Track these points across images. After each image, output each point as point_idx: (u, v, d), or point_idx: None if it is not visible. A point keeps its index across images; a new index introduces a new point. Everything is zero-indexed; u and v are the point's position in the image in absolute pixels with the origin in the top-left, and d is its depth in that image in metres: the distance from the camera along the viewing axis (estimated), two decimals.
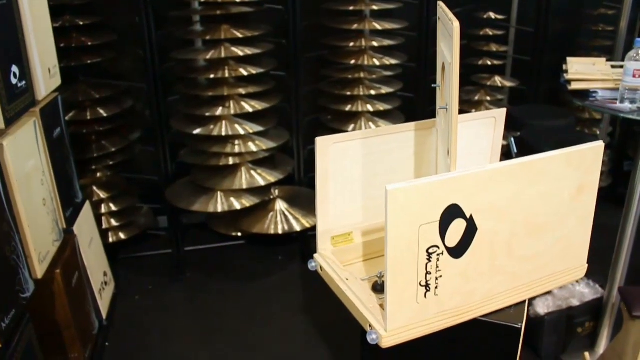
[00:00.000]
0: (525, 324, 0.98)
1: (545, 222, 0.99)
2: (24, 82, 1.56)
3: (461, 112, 2.64)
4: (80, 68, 2.17)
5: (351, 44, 2.33)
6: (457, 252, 0.92)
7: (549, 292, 1.96)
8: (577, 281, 1.99)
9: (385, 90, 2.38)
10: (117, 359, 1.93)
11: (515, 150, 2.11)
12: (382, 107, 2.41)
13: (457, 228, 0.91)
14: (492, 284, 0.99)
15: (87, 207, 2.02)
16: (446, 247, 0.91)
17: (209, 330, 2.06)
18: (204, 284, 2.34)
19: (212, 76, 2.17)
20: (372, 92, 2.38)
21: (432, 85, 1.02)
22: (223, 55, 2.14)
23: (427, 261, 0.90)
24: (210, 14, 2.14)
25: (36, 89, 1.66)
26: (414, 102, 2.54)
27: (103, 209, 2.31)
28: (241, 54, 2.15)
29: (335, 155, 1.09)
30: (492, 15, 2.42)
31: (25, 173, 1.52)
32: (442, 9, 0.95)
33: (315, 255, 1.16)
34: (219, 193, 2.30)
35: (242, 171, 2.31)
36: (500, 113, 1.20)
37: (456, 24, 0.80)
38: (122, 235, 2.37)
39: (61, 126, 1.83)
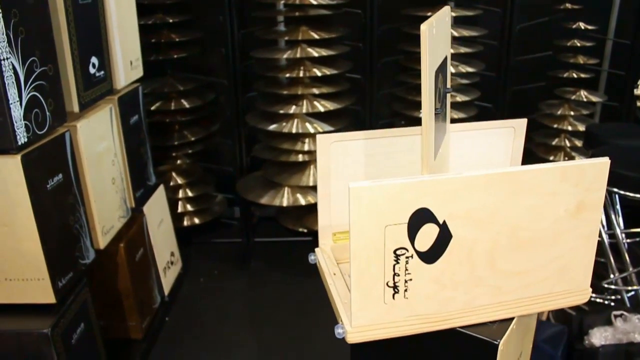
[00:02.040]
0: (504, 340, 0.94)
1: (535, 237, 0.94)
2: (102, 72, 1.74)
3: (541, 126, 2.51)
4: (168, 62, 2.36)
5: None
6: (429, 257, 0.91)
7: (609, 324, 1.82)
8: None
9: (460, 98, 2.34)
10: (174, 332, 2.08)
11: None
12: (456, 115, 2.36)
13: (429, 233, 0.89)
14: (472, 295, 0.96)
15: (161, 190, 2.18)
16: (416, 251, 0.90)
17: (262, 319, 2.15)
18: (265, 275, 2.44)
19: (287, 75, 2.26)
20: None
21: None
22: (299, 55, 2.22)
23: (394, 262, 0.90)
24: (290, 15, 2.23)
25: (115, 79, 1.84)
26: (491, 112, 2.46)
27: (180, 194, 2.49)
28: (316, 55, 2.22)
29: (337, 154, 1.11)
30: (582, 25, 2.28)
31: (97, 153, 1.70)
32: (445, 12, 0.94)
33: (316, 249, 1.19)
34: (286, 188, 2.38)
35: (311, 169, 2.38)
36: (520, 123, 1.15)
37: (422, 28, 0.79)
38: (196, 220, 2.53)
39: (139, 114, 2.01)
